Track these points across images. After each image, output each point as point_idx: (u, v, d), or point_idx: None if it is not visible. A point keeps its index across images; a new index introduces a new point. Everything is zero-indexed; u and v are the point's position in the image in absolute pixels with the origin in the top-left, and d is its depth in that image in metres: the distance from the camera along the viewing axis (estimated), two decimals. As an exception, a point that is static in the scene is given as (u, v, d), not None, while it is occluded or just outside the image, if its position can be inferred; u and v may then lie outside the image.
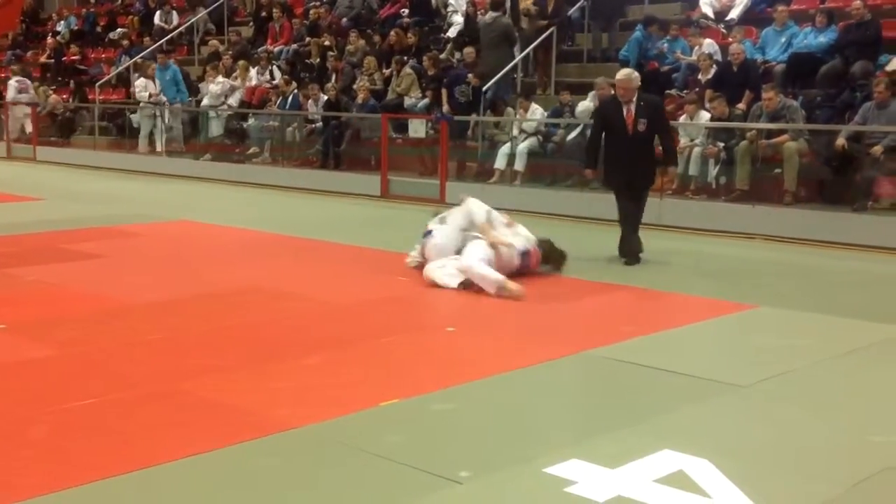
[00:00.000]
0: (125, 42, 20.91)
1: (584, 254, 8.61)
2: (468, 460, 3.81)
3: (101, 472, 3.64)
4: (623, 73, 8.26)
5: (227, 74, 16.95)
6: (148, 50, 19.42)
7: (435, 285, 7.07)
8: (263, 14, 19.08)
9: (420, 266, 7.45)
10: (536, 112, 12.58)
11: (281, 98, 15.61)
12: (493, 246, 7.17)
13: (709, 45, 12.41)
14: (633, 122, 7.97)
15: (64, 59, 21.88)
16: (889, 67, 10.74)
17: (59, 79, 21.15)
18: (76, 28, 23.64)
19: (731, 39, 12.21)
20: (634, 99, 8.00)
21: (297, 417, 4.27)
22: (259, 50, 17.80)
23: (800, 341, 5.82)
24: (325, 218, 11.47)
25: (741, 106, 11.02)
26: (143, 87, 16.64)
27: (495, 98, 13.23)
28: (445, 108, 13.02)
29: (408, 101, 14.20)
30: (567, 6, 14.16)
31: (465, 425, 4.28)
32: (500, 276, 6.85)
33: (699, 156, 10.89)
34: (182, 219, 10.86)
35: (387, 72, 14.99)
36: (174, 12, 21.25)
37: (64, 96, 20.21)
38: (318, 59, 16.49)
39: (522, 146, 12.26)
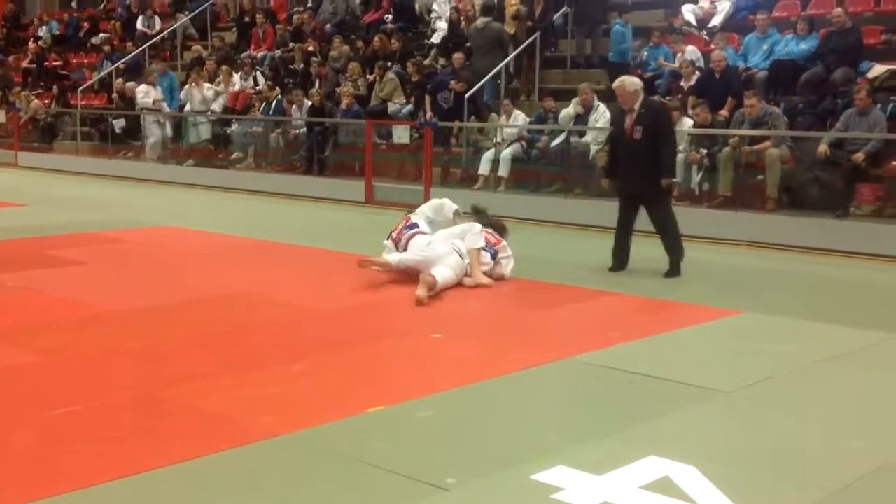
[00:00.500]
0: (107, 47, 20.80)
1: (568, 260, 8.66)
2: (455, 467, 3.81)
3: (84, 481, 3.62)
4: (617, 80, 8.23)
5: (211, 80, 16.91)
6: (131, 55, 19.34)
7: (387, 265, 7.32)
8: (246, 19, 19.03)
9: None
10: (519, 118, 12.62)
11: (265, 104, 15.59)
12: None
13: (691, 51, 12.49)
14: (632, 129, 7.88)
15: (46, 63, 21.76)
16: (870, 74, 10.84)
17: (42, 84, 21.02)
18: (58, 33, 23.52)
19: (713, 46, 12.29)
20: (636, 105, 7.90)
21: (282, 424, 4.26)
22: (242, 55, 17.77)
23: (783, 347, 5.85)
24: (310, 223, 11.45)
25: (724, 112, 11.09)
26: (145, 93, 16.48)
27: (479, 104, 13.27)
28: (429, 114, 13.02)
29: (392, 107, 14.21)
30: (552, 12, 14.21)
31: (451, 432, 4.28)
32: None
33: (682, 162, 10.92)
34: (166, 225, 10.82)
35: (370, 77, 15.00)
36: (157, 17, 21.16)
37: (46, 101, 20.09)
38: (301, 65, 16.47)
39: (506, 152, 12.28)
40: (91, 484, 3.60)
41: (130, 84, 17.91)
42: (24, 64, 22.32)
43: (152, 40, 19.82)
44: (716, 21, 13.32)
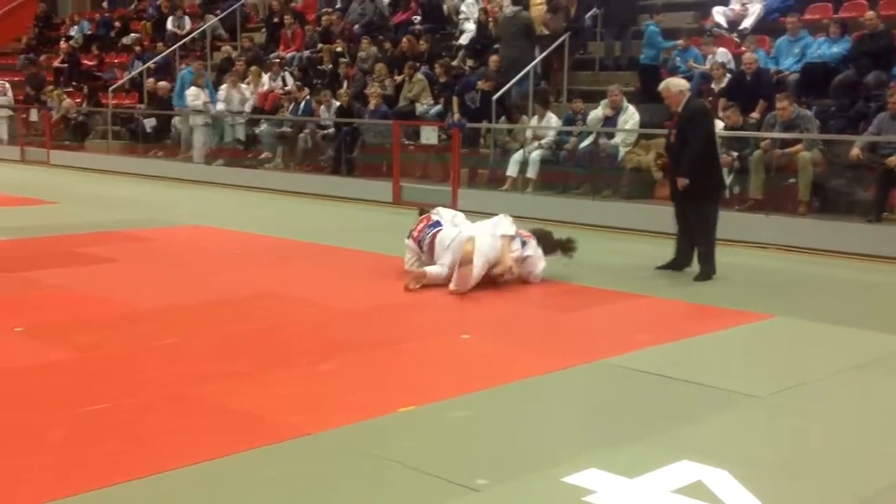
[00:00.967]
0: (138, 47, 20.99)
1: (597, 262, 8.60)
2: (485, 468, 3.80)
3: (114, 477, 3.65)
4: (663, 82, 8.33)
5: (240, 80, 16.98)
6: (161, 55, 19.47)
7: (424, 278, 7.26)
8: (276, 20, 19.12)
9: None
10: (552, 120, 12.58)
11: (293, 104, 15.65)
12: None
13: (722, 54, 12.40)
14: (671, 132, 8.02)
15: (80, 64, 21.97)
16: (903, 78, 10.72)
17: (74, 83, 21.23)
18: (90, 33, 23.74)
19: (744, 49, 12.20)
20: (680, 108, 7.94)
21: (312, 424, 4.27)
22: (271, 56, 17.85)
23: (815, 352, 5.80)
24: (338, 223, 11.48)
25: (755, 115, 11.01)
26: (195, 95, 16.53)
27: (508, 105, 13.26)
28: (457, 116, 13.02)
29: (419, 108, 14.22)
30: (584, 13, 14.19)
31: (481, 433, 4.27)
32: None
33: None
34: (196, 224, 10.88)
35: (398, 78, 15.02)
36: (187, 18, 21.30)
37: (77, 101, 20.29)
38: (330, 66, 16.52)
39: (535, 154, 12.25)
40: (121, 481, 3.62)
41: (161, 84, 18.05)
42: (56, 63, 22.54)
43: (182, 41, 19.95)
44: (747, 23, 13.22)
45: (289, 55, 17.70)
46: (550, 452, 4.02)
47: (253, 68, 17.01)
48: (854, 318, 6.64)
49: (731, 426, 4.44)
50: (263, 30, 19.68)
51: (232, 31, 20.34)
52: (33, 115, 20.32)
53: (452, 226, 7.57)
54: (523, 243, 7.54)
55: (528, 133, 12.65)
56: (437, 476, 3.72)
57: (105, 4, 26.59)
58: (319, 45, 17.29)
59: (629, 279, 7.91)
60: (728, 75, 11.87)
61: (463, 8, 16.01)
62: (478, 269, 7.13)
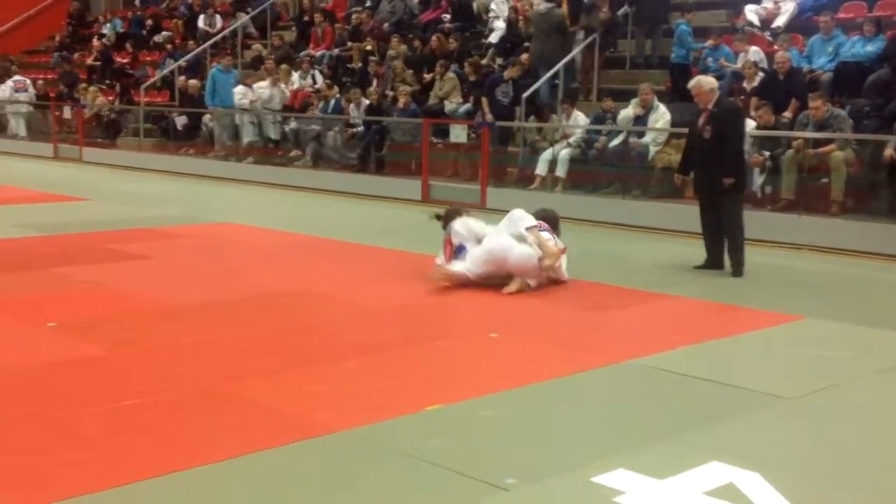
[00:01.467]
0: (169, 45, 21.16)
1: (626, 262, 8.58)
2: (514, 467, 3.80)
3: (147, 472, 3.68)
4: (693, 79, 8.39)
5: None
6: (192, 53, 19.62)
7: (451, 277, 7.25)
8: (306, 19, 19.21)
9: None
10: (579, 119, 12.55)
11: (323, 102, 15.71)
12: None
13: (755, 52, 12.30)
14: (703, 128, 8.00)
15: (112, 61, 22.20)
16: (939, 77, 10.58)
17: (107, 81, 21.44)
18: (122, 31, 23.97)
19: (776, 47, 12.09)
20: (710, 106, 7.98)
21: (341, 421, 4.29)
22: (301, 54, 17.93)
23: (846, 354, 5.74)
24: (367, 222, 11.51)
25: (787, 114, 10.91)
26: (242, 94, 16.59)
27: (538, 103, 13.23)
28: (489, 117, 13.01)
29: (448, 106, 14.22)
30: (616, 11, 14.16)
31: (510, 432, 4.27)
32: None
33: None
34: (226, 221, 10.96)
35: (428, 76, 15.03)
36: (218, 16, 21.47)
37: (109, 98, 20.48)
38: (359, 64, 16.57)
39: (564, 153, 12.22)
40: (153, 475, 3.66)
41: (192, 82, 18.17)
42: (89, 61, 22.77)
43: (213, 39, 20.08)
44: (779, 22, 13.10)
45: (318, 53, 17.77)
46: (579, 452, 4.01)
47: (283, 66, 17.09)
48: (887, 320, 6.57)
49: (762, 428, 4.41)
50: (294, 28, 19.78)
51: (262, 29, 20.46)
52: (66, 113, 20.55)
53: (476, 243, 7.47)
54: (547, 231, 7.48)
55: (557, 131, 12.62)
56: (465, 475, 3.72)
57: (137, 2, 26.91)
58: (349, 44, 17.35)
59: (659, 279, 7.87)
60: (760, 74, 11.77)
61: (493, 6, 15.98)
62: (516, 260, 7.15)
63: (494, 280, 7.19)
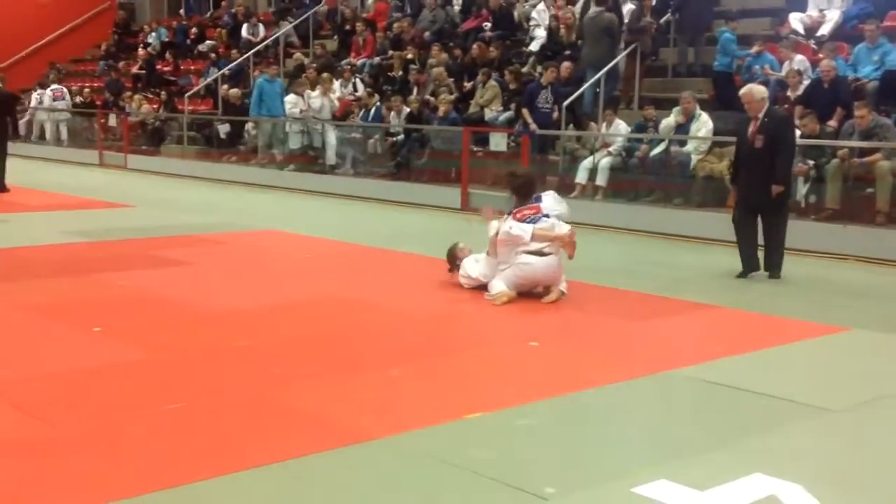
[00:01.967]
0: (213, 54, 21.41)
1: (666, 271, 8.52)
2: (554, 476, 3.79)
3: (189, 476, 3.73)
4: (745, 87, 8.41)
5: (312, 87, 17.16)
6: (235, 62, 19.83)
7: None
8: (347, 27, 19.34)
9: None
10: (620, 127, 12.49)
11: (364, 110, 15.80)
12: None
13: (800, 61, 12.16)
14: (754, 138, 7.99)
15: (157, 70, 22.53)
16: None
17: (152, 89, 21.74)
18: (167, 40, 24.31)
19: (821, 56, 11.95)
20: (761, 115, 7.98)
21: (381, 427, 4.31)
22: (342, 63, 18.04)
23: (892, 365, 5.65)
24: (407, 229, 11.55)
25: (832, 123, 10.78)
26: (293, 104, 16.73)
27: (578, 113, 13.20)
28: (533, 126, 12.99)
29: (489, 114, 14.24)
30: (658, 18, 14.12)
31: (550, 441, 4.26)
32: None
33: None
34: (268, 228, 11.05)
35: (468, 85, 15.06)
36: (261, 25, 21.69)
37: (154, 106, 20.77)
38: (400, 72, 16.64)
39: (605, 161, 12.17)
40: (197, 479, 3.70)
41: (233, 91, 18.35)
42: (134, 70, 23.12)
43: (256, 48, 20.29)
44: (824, 30, 12.95)
45: (360, 62, 17.88)
46: (619, 462, 3.99)
47: (325, 75, 17.20)
48: (935, 332, 6.46)
49: (806, 440, 4.35)
50: (335, 37, 19.92)
51: (305, 38, 20.62)
52: (112, 120, 20.87)
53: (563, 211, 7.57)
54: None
55: (598, 140, 12.57)
56: (504, 483, 3.71)
57: (182, 12, 27.23)
58: (390, 52, 17.44)
59: (701, 288, 7.81)
60: (805, 82, 11.64)
61: (534, 14, 15.97)
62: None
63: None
